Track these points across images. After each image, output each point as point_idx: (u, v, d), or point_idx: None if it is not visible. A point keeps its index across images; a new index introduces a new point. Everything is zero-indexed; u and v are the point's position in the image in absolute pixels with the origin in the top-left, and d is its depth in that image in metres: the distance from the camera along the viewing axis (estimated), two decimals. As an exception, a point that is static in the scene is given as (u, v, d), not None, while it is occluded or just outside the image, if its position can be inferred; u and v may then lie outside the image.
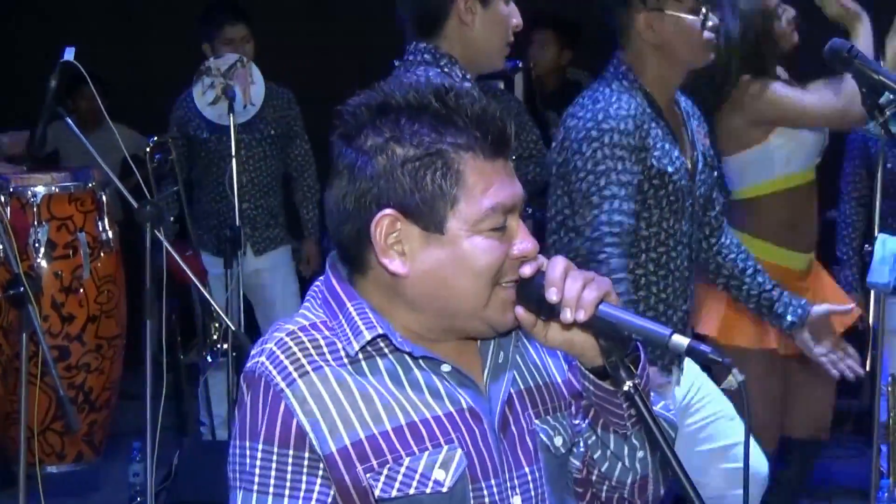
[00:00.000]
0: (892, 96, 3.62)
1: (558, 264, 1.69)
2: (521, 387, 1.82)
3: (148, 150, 4.41)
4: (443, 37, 2.86)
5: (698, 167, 3.19)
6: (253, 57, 5.27)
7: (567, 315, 1.66)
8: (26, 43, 5.21)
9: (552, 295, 1.67)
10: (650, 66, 3.03)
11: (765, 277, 3.27)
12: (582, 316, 1.65)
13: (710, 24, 2.98)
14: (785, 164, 3.84)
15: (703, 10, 2.97)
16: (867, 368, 4.84)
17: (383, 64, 3.34)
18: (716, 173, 3.30)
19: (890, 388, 5.05)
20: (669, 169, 3.03)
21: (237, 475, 1.72)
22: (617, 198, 2.96)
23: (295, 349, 1.72)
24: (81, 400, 3.98)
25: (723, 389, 5.05)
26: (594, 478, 1.85)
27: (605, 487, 1.86)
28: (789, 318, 3.22)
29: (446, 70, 2.81)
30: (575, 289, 1.66)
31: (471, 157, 1.70)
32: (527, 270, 1.72)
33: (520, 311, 1.73)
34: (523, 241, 1.73)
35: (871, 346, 4.84)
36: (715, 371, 3.28)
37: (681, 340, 1.62)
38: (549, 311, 1.70)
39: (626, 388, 1.68)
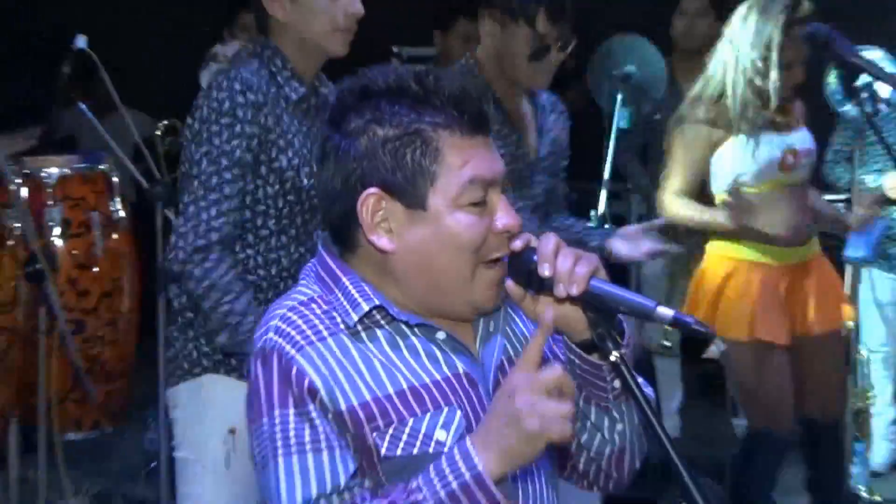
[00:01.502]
0: (868, 79, 3.64)
1: (550, 240, 1.69)
2: (512, 354, 1.83)
3: (159, 133, 4.41)
4: (272, 31, 2.81)
5: (540, 153, 3.30)
6: None
7: (561, 290, 1.66)
8: (41, 31, 5.18)
9: (545, 270, 1.67)
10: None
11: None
12: (575, 290, 1.65)
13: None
14: (737, 170, 3.80)
15: None
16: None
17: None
18: (563, 163, 3.44)
19: (864, 358, 5.08)
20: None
21: (268, 450, 1.69)
22: None
23: (299, 321, 1.72)
24: (97, 371, 3.99)
25: (707, 359, 5.09)
26: (573, 449, 1.85)
27: (583, 458, 1.87)
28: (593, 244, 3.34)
29: (274, 67, 2.76)
30: (567, 264, 1.66)
31: (448, 134, 1.71)
32: (517, 244, 1.72)
33: (510, 284, 1.73)
34: (505, 216, 1.73)
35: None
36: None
37: (666, 312, 1.63)
38: (538, 286, 1.70)
39: (612, 358, 1.68)
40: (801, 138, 3.83)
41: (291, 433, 1.68)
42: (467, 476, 1.56)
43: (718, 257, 3.92)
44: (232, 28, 5.25)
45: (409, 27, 5.03)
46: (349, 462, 1.68)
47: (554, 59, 3.18)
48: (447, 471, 1.58)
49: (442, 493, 1.57)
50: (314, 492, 1.65)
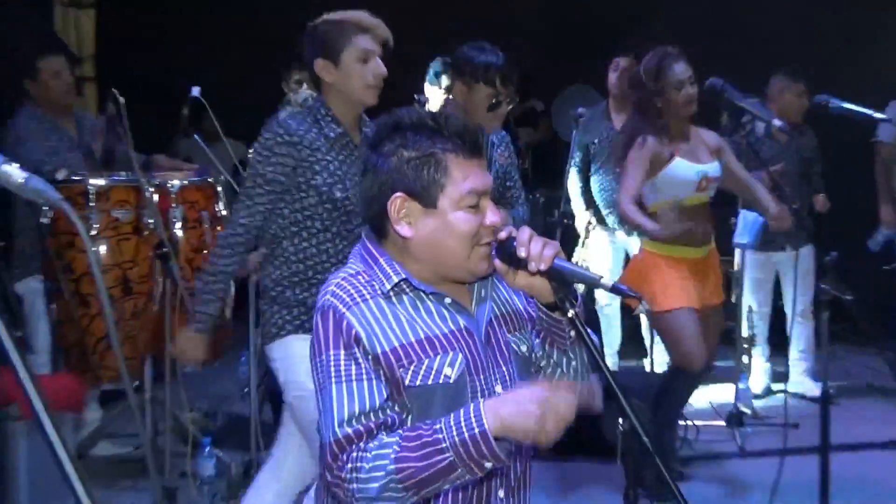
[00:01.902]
0: (748, 117, 3.65)
1: (525, 232, 1.70)
2: (497, 312, 1.84)
3: (249, 155, 4.42)
4: (323, 87, 2.80)
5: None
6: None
7: (533, 266, 1.67)
8: (167, 83, 5.18)
9: (522, 252, 1.68)
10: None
11: None
12: (543, 266, 1.67)
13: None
14: (663, 192, 3.79)
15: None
16: (733, 300, 4.87)
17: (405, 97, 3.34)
18: (509, 184, 3.37)
19: (747, 314, 5.08)
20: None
21: (325, 377, 1.70)
22: None
23: (349, 287, 1.73)
24: (207, 323, 4.00)
25: (636, 315, 5.07)
26: (540, 378, 1.87)
27: None
28: None
29: (319, 116, 2.76)
30: (538, 248, 1.67)
31: (454, 156, 1.72)
32: (503, 235, 1.73)
33: (497, 262, 1.74)
34: (492, 215, 1.75)
35: (734, 286, 4.89)
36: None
37: (607, 282, 1.66)
38: (517, 264, 1.71)
39: (569, 315, 1.71)
40: (713, 168, 3.82)
41: (342, 367, 1.68)
42: (476, 431, 1.57)
43: (647, 252, 3.89)
44: (287, 81, 5.22)
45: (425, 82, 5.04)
46: (383, 390, 1.68)
47: (503, 111, 3.22)
48: (462, 423, 1.59)
49: (456, 438, 1.58)
50: (357, 409, 1.66)
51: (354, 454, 1.63)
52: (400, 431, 1.64)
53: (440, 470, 1.58)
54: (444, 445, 1.58)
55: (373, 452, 1.62)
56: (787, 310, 5.14)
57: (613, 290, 1.66)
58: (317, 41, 2.77)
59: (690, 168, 3.76)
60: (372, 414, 1.66)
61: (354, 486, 1.62)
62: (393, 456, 1.60)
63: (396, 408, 1.70)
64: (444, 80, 4.77)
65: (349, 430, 1.65)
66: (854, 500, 3.73)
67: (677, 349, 3.87)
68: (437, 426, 1.60)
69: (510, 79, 3.19)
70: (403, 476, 1.59)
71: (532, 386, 1.61)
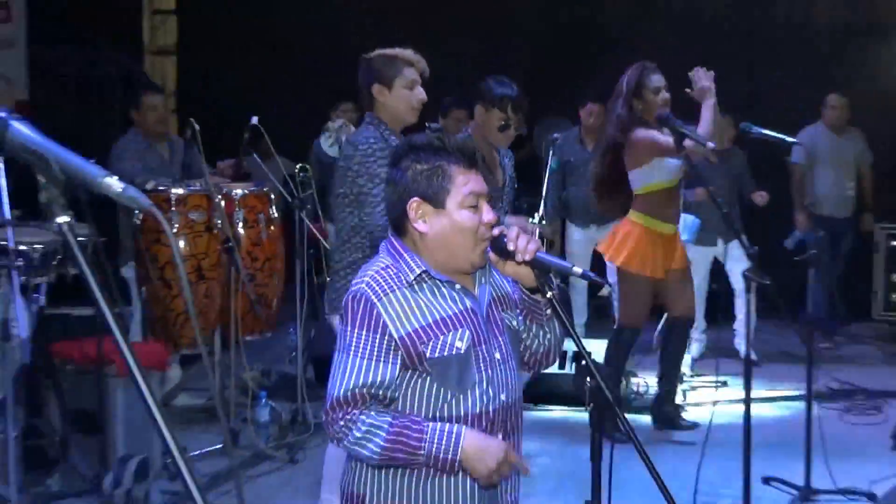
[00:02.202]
0: (690, 142, 3.64)
1: (514, 229, 1.69)
2: (494, 295, 1.81)
3: (296, 170, 4.41)
4: (377, 107, 2.77)
5: (506, 182, 3.27)
6: (357, 122, 5.17)
7: (519, 257, 1.67)
8: (232, 114, 5.18)
9: (510, 246, 1.67)
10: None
11: None
12: (528, 258, 1.66)
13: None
14: (655, 176, 3.80)
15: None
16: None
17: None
18: (516, 186, 3.38)
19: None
20: None
21: (344, 347, 1.69)
22: None
23: (381, 280, 1.70)
24: (262, 302, 4.00)
25: (600, 295, 5.04)
26: (521, 348, 1.85)
27: (527, 354, 1.86)
28: None
29: (381, 130, 2.72)
30: (523, 243, 1.67)
31: (456, 167, 1.71)
32: (496, 231, 1.71)
33: (491, 254, 1.72)
34: (488, 214, 1.73)
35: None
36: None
37: (578, 270, 1.65)
38: (507, 255, 1.70)
39: (548, 296, 1.70)
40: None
41: (361, 344, 1.66)
42: (449, 454, 1.64)
43: (630, 221, 3.88)
44: (336, 111, 5.22)
45: (436, 112, 5.02)
46: (388, 373, 1.66)
47: (513, 132, 3.23)
48: (444, 444, 1.64)
49: (433, 453, 1.64)
50: (362, 381, 1.66)
51: (349, 416, 1.65)
52: (389, 419, 1.65)
53: (411, 464, 1.66)
54: (421, 453, 1.63)
55: (365, 426, 1.64)
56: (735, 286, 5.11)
57: (583, 276, 1.65)
58: (373, 70, 2.76)
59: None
60: (373, 388, 1.65)
61: (342, 436, 1.67)
62: (382, 443, 1.64)
63: (413, 381, 1.69)
64: (455, 113, 4.82)
65: (349, 395, 1.65)
66: (770, 440, 3.72)
67: (625, 307, 3.88)
68: (424, 434, 1.64)
69: (520, 108, 3.22)
70: (385, 458, 1.66)
71: (499, 444, 1.68)
